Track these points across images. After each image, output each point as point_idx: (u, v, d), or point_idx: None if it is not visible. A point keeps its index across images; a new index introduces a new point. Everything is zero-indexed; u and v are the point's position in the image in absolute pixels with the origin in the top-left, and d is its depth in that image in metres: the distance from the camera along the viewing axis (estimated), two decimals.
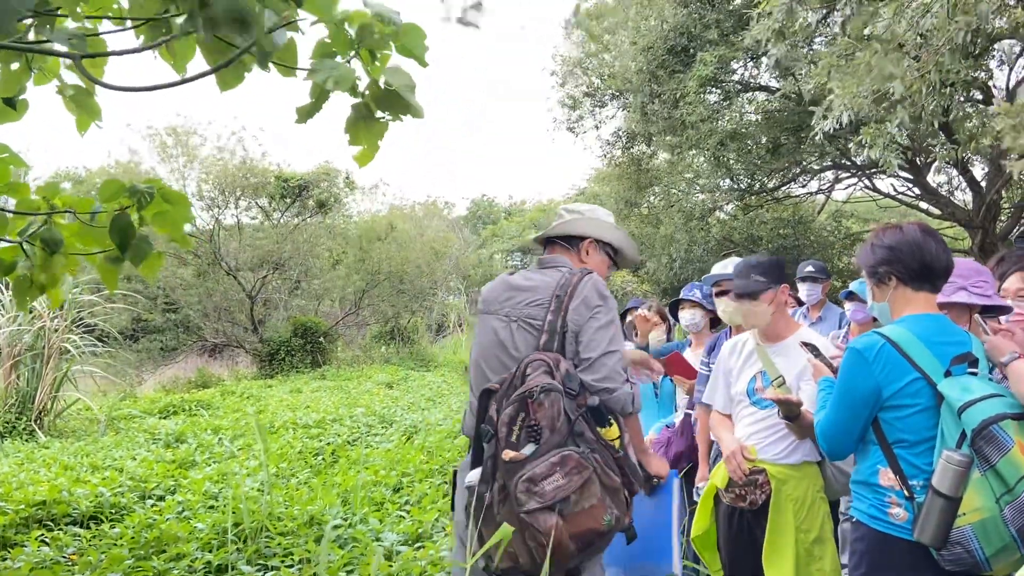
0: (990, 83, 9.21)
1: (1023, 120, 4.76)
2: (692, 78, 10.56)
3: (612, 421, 2.18)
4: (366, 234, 17.99)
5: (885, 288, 2.22)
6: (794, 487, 2.74)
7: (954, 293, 2.39)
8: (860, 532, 2.18)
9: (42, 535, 4.07)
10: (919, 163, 12.39)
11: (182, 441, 7.43)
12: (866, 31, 5.63)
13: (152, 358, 17.24)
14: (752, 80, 12.75)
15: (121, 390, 11.90)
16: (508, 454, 2.00)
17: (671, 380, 3.95)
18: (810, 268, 4.95)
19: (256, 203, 17.01)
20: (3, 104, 2.53)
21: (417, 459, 5.99)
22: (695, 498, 3.29)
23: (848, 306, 4.40)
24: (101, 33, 2.37)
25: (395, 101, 2.04)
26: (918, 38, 5.32)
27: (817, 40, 10.30)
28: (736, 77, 12.43)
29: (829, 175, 14.86)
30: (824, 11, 6.08)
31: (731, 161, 12.39)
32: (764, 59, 10.82)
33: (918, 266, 2.15)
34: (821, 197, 15.74)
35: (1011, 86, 9.80)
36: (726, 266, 3.75)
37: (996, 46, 7.30)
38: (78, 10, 2.25)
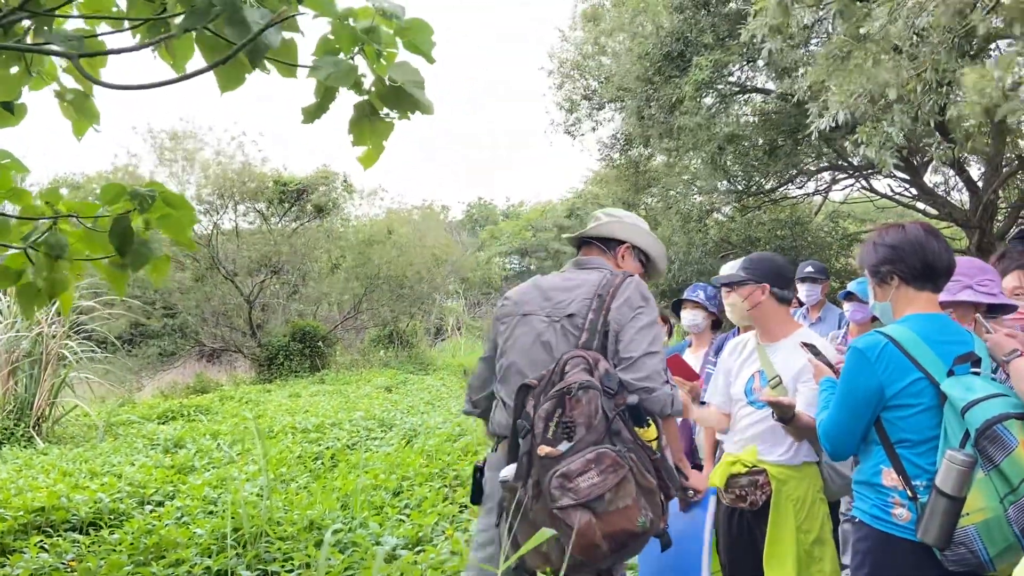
0: None
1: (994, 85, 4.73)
2: (688, 83, 10.57)
3: (651, 422, 2.16)
4: (365, 238, 17.98)
5: (887, 288, 2.22)
6: (794, 487, 2.73)
7: (960, 291, 2.38)
8: (863, 532, 2.17)
9: (41, 541, 4.05)
10: (915, 163, 12.41)
11: (181, 446, 7.41)
12: (861, 31, 5.64)
13: (151, 363, 17.19)
14: (748, 82, 12.78)
15: (120, 396, 11.87)
16: (544, 449, 1.98)
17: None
18: (809, 269, 4.95)
19: (254, 207, 17.00)
20: (1, 109, 2.52)
21: (417, 463, 5.98)
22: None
23: (847, 306, 4.40)
24: (100, 35, 2.36)
25: (402, 98, 2.00)
26: (914, 37, 5.33)
27: (813, 42, 10.33)
28: (733, 78, 12.45)
29: (826, 176, 14.88)
30: (818, 12, 6.08)
31: (728, 163, 12.40)
32: (760, 60, 10.84)
33: (920, 265, 2.15)
34: (818, 198, 15.75)
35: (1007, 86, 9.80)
36: (733, 266, 3.75)
37: (992, 46, 7.32)
38: (73, 10, 2.23)
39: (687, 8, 10.69)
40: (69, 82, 2.68)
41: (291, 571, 3.63)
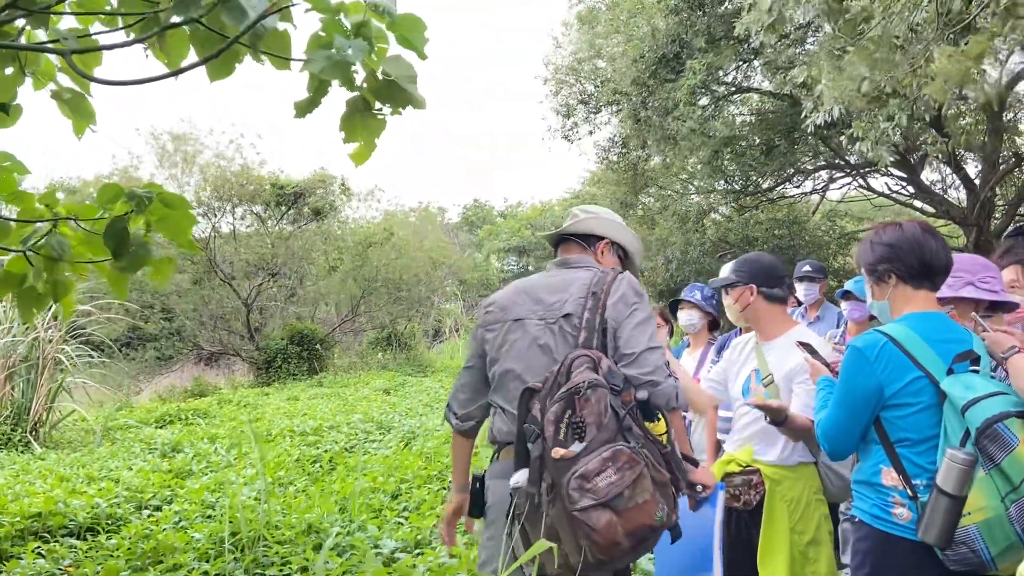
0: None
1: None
2: (681, 88, 10.57)
3: (660, 416, 2.15)
4: (362, 241, 17.97)
5: (885, 286, 2.20)
6: (788, 488, 2.72)
7: (962, 288, 2.37)
8: (863, 532, 2.16)
9: (38, 547, 4.03)
10: (912, 161, 12.42)
11: (179, 451, 7.40)
12: (857, 28, 5.64)
13: (148, 367, 17.14)
14: (744, 82, 12.78)
15: (117, 400, 11.85)
16: (558, 452, 1.96)
17: None
18: (807, 268, 4.94)
19: (252, 210, 16.99)
20: None
21: (415, 465, 5.97)
22: None
23: (844, 305, 4.39)
24: (93, 33, 2.35)
25: (395, 92, 1.99)
26: (909, 33, 5.33)
27: (810, 41, 10.34)
28: (729, 79, 12.45)
29: (823, 175, 14.90)
30: (808, 10, 6.08)
31: (725, 163, 12.42)
32: (756, 60, 10.86)
33: (918, 264, 2.14)
34: (816, 197, 15.77)
35: (1003, 82, 9.83)
36: (729, 268, 3.75)
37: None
38: (66, 8, 2.22)
39: (683, 10, 10.69)
40: (66, 82, 2.67)
41: (289, 575, 3.62)
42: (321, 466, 6.42)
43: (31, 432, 8.42)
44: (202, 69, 2.00)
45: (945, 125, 9.83)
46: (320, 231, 17.56)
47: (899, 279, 2.17)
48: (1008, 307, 2.45)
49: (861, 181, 14.34)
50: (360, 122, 2.07)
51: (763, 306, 2.88)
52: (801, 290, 4.91)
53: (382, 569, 3.50)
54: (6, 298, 8.28)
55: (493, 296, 2.50)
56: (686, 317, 4.11)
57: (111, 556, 3.89)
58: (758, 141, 12.62)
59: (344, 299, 18.30)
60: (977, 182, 12.05)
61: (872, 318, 2.87)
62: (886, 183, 14.18)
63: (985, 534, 1.88)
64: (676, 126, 10.88)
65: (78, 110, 2.67)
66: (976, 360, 2.04)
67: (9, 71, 2.50)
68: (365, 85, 2.02)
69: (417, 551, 3.96)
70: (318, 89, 1.96)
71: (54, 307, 7.21)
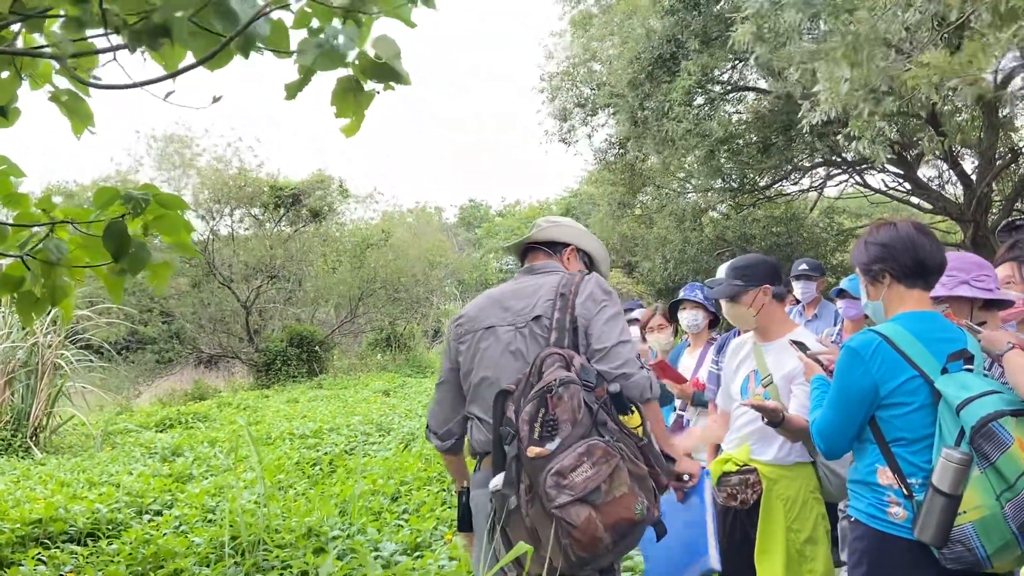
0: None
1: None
2: (676, 89, 10.58)
3: (634, 409, 2.16)
4: (360, 242, 17.98)
5: (879, 286, 2.21)
6: (785, 487, 2.73)
7: (957, 287, 2.37)
8: (859, 531, 2.17)
9: (39, 553, 4.03)
10: (908, 158, 12.44)
11: (179, 455, 7.40)
12: (851, 27, 5.65)
13: (148, 370, 17.14)
14: (740, 81, 12.79)
15: (117, 404, 11.85)
16: (532, 451, 1.97)
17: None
18: (804, 266, 4.95)
19: (250, 212, 16.99)
20: None
21: (415, 467, 5.97)
22: None
23: (840, 303, 4.40)
24: (89, 37, 2.35)
25: (384, 70, 2.02)
26: (903, 32, 5.34)
27: (806, 40, 10.33)
28: (725, 78, 12.46)
29: (820, 172, 14.91)
30: (803, 13, 6.10)
31: (722, 161, 12.42)
32: (751, 60, 10.86)
33: (912, 263, 2.14)
34: (813, 194, 15.79)
35: (998, 80, 9.84)
36: (717, 281, 3.75)
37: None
38: (62, 12, 2.23)
39: (678, 10, 10.70)
40: (63, 83, 2.68)
41: None
42: (321, 469, 6.42)
43: (31, 437, 8.42)
44: (202, 72, 2.01)
45: (941, 122, 9.84)
46: (318, 233, 17.57)
47: (893, 278, 2.18)
48: (1003, 304, 2.45)
49: (858, 178, 14.36)
50: (351, 98, 2.10)
51: (773, 306, 2.89)
52: (798, 288, 4.92)
53: (382, 573, 3.51)
54: (5, 303, 8.30)
55: (462, 310, 2.53)
56: (690, 317, 4.09)
57: (112, 562, 3.89)
58: (755, 139, 12.62)
59: (343, 301, 18.30)
60: (974, 178, 12.07)
61: (867, 316, 2.88)
62: (883, 180, 14.22)
63: (981, 532, 1.89)
64: (672, 127, 10.89)
65: (76, 111, 2.68)
66: (970, 359, 2.05)
67: (5, 74, 2.51)
68: (357, 63, 2.05)
69: (417, 554, 3.97)
70: (308, 70, 1.99)
71: (53, 312, 7.21)
